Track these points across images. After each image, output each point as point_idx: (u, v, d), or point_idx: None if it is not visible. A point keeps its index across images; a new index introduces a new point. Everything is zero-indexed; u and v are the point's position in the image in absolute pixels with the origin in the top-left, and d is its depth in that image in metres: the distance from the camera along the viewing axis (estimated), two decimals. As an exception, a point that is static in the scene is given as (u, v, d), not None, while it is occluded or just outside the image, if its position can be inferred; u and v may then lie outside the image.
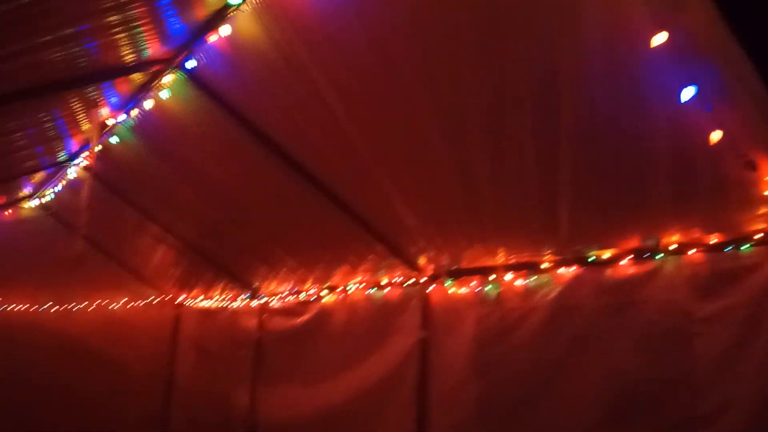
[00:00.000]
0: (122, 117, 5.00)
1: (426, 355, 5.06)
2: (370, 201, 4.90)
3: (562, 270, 4.16)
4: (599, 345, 3.92)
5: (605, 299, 3.94)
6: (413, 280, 5.24)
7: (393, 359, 5.34)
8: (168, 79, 4.41)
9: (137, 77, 4.42)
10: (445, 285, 4.93)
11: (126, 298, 8.48)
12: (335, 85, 3.93)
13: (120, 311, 8.47)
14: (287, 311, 6.67)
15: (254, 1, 3.62)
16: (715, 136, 2.83)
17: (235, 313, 7.45)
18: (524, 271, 4.35)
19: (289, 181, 5.00)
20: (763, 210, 3.15)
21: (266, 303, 6.98)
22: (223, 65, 4.18)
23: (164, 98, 4.61)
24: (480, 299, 4.64)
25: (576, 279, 4.09)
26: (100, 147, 4.78)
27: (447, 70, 3.47)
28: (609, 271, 3.91)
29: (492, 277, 4.55)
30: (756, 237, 3.22)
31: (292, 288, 6.60)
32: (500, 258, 4.46)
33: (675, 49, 2.67)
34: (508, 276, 4.43)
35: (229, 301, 7.56)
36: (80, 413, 7.64)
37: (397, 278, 5.39)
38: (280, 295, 6.76)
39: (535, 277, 4.29)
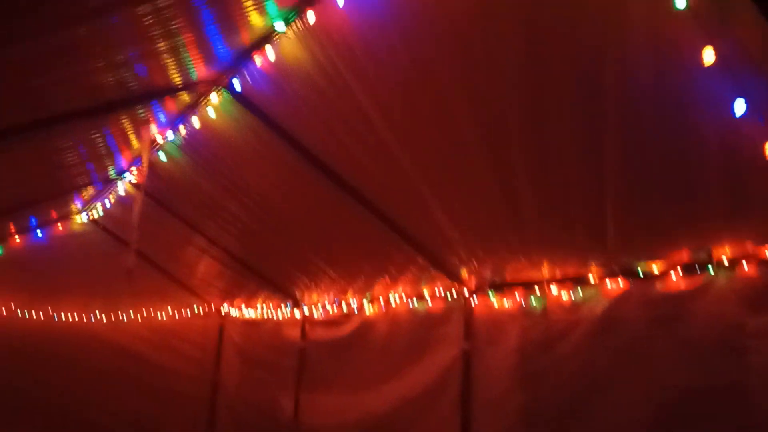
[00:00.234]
0: (170, 134, 5.15)
1: (469, 366, 5.07)
2: (411, 212, 4.93)
3: (608, 283, 4.11)
4: (647, 358, 3.87)
5: (653, 312, 3.89)
6: (455, 292, 5.24)
7: (435, 370, 5.36)
8: (214, 98, 4.53)
9: (185, 97, 4.55)
10: (489, 297, 4.92)
11: (172, 308, 8.69)
12: (377, 102, 3.98)
13: (167, 321, 8.69)
14: (330, 322, 6.75)
15: (298, 26, 3.68)
16: (769, 149, 2.77)
17: (279, 322, 7.56)
18: (570, 284, 4.32)
19: (330, 193, 5.08)
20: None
21: (309, 313, 7.07)
22: (268, 85, 4.27)
23: (211, 117, 4.73)
24: (524, 312, 4.62)
25: (623, 292, 4.04)
26: (148, 164, 4.92)
27: (490, 84, 3.49)
28: (658, 285, 3.86)
29: (536, 290, 4.52)
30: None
31: (334, 299, 6.68)
32: (545, 271, 4.43)
33: (725, 62, 2.63)
34: (554, 289, 4.40)
35: (271, 311, 7.68)
36: (129, 419, 7.92)
37: (438, 290, 5.40)
38: (321, 305, 6.84)
39: (582, 290, 4.24)
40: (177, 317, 8.69)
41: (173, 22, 3.39)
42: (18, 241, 7.39)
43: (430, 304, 5.51)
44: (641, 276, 3.95)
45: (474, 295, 5.08)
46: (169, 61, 3.80)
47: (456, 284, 5.24)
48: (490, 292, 4.92)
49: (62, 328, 8.17)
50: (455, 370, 5.14)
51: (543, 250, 4.38)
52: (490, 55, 3.31)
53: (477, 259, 4.89)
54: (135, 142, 5.15)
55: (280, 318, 7.54)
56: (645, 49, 2.79)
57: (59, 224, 7.42)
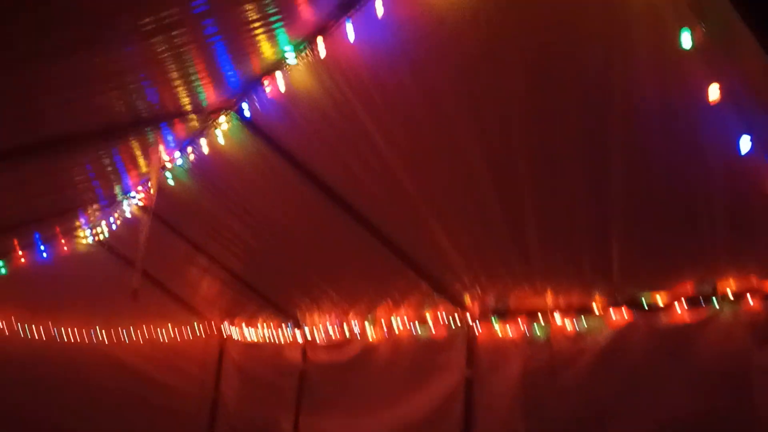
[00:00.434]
0: (178, 157, 5.20)
1: (471, 394, 5.05)
2: (415, 238, 4.96)
3: (613, 313, 4.11)
4: (651, 390, 3.85)
5: (658, 344, 3.88)
6: (458, 318, 5.24)
7: (437, 396, 5.35)
8: (223, 123, 4.58)
9: (194, 121, 4.60)
10: (492, 324, 4.92)
11: (174, 327, 8.68)
12: (384, 130, 4.03)
13: (168, 339, 8.68)
14: (331, 344, 6.74)
15: (308, 56, 3.74)
16: (774, 185, 2.80)
17: (279, 346, 7.55)
18: (573, 313, 4.32)
19: (334, 217, 5.11)
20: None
21: (310, 335, 7.06)
22: (277, 111, 4.32)
23: (219, 141, 4.78)
24: (528, 340, 4.62)
25: (628, 323, 4.04)
26: (156, 180, 4.97)
27: (496, 115, 3.53)
28: (662, 316, 3.85)
29: (540, 318, 4.53)
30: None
31: (336, 321, 6.67)
32: (548, 299, 4.44)
33: (730, 99, 2.67)
34: (558, 318, 4.41)
35: (272, 332, 7.67)
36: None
37: (441, 316, 5.41)
38: (323, 327, 6.84)
39: (586, 319, 4.25)
40: (178, 336, 8.68)
41: (185, 51, 3.44)
42: (22, 258, 7.43)
43: (432, 330, 5.50)
44: (646, 307, 3.96)
45: (477, 322, 5.08)
46: (179, 86, 3.86)
47: (459, 310, 5.24)
48: (493, 320, 4.92)
49: (64, 345, 8.15)
50: (457, 398, 5.12)
51: (547, 278, 4.39)
52: (497, 88, 3.36)
53: (481, 285, 4.90)
54: (143, 164, 5.20)
55: (281, 339, 7.53)
56: (651, 85, 2.83)
57: (63, 242, 7.46)
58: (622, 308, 4.07)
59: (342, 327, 6.55)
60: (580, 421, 4.20)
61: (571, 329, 4.35)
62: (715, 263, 3.51)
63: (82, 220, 7.05)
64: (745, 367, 3.44)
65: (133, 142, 4.76)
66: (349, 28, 3.41)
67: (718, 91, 2.65)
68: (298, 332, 7.24)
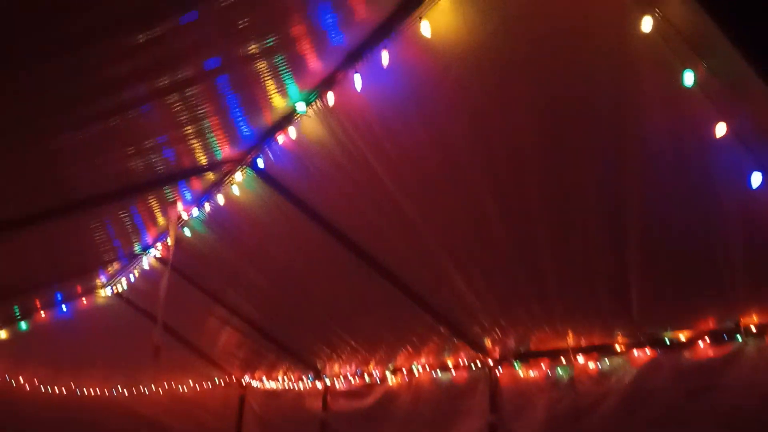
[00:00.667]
0: (195, 211, 5.28)
1: (496, 439, 4.95)
2: (432, 282, 4.94)
3: (636, 352, 4.05)
4: (679, 430, 3.76)
5: (684, 383, 3.82)
6: (479, 362, 5.18)
7: (462, 443, 5.24)
8: (238, 176, 4.66)
9: (210, 176, 4.69)
10: (514, 368, 4.85)
11: (194, 380, 8.65)
12: (397, 176, 4.07)
13: (188, 392, 8.64)
14: (352, 393, 6.66)
15: (318, 106, 3.83)
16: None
17: (300, 393, 7.48)
18: (596, 353, 4.26)
19: (351, 264, 5.12)
20: None
21: (330, 384, 6.99)
22: (290, 161, 4.40)
23: (234, 193, 4.85)
24: (551, 383, 4.55)
25: (652, 362, 3.97)
26: (173, 240, 5.04)
27: (509, 159, 3.55)
28: (686, 354, 3.80)
29: (562, 359, 4.46)
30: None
31: (356, 369, 6.61)
32: (570, 340, 4.38)
33: (740, 137, 2.69)
34: (580, 359, 4.34)
35: (292, 382, 7.61)
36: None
37: (462, 360, 5.34)
38: (343, 376, 6.77)
39: (609, 360, 4.18)
40: (198, 388, 8.64)
41: (200, 108, 3.54)
42: (42, 314, 7.49)
43: (453, 375, 5.43)
44: (668, 345, 3.90)
45: (499, 366, 5.01)
46: (195, 144, 3.95)
47: (480, 354, 5.18)
48: (515, 363, 4.85)
49: (85, 401, 8.16)
50: (482, 443, 5.01)
51: (567, 319, 4.34)
52: (508, 133, 3.40)
53: (500, 328, 4.85)
54: (161, 219, 5.28)
55: (301, 388, 7.46)
56: (660, 126, 2.86)
57: (83, 298, 7.52)
58: (645, 347, 4.01)
59: (362, 376, 6.49)
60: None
61: (594, 369, 4.27)
62: (736, 298, 3.47)
63: (103, 277, 7.13)
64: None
65: (151, 200, 4.86)
66: (357, 79, 3.49)
67: (726, 128, 2.67)
68: (318, 383, 7.18)
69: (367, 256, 5.00)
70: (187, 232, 5.65)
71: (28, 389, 7.91)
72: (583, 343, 4.36)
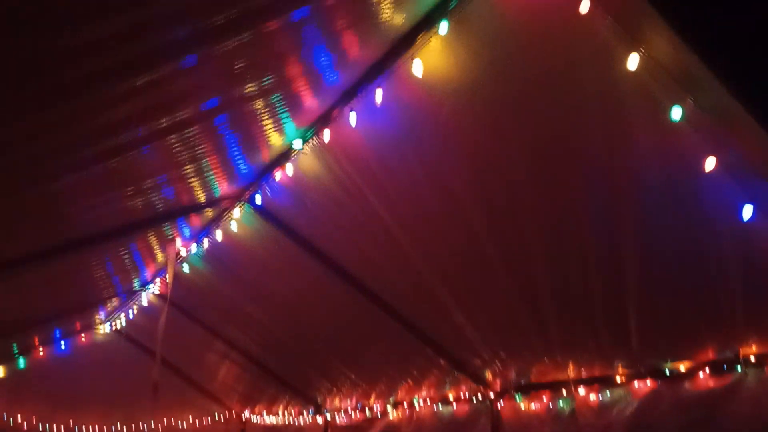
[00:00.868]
0: (194, 247, 5.30)
1: (499, 473, 4.89)
2: (431, 316, 4.93)
3: (637, 383, 4.03)
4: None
5: (685, 414, 3.80)
6: (481, 395, 5.14)
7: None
8: (236, 212, 4.70)
9: (209, 212, 4.73)
10: (515, 400, 4.82)
11: (194, 416, 8.56)
12: (394, 211, 4.10)
13: (188, 427, 8.55)
14: (353, 427, 6.60)
15: (315, 143, 3.88)
16: (783, 251, 2.81)
17: (300, 428, 7.41)
18: (597, 385, 4.24)
19: (350, 298, 5.12)
20: None
21: (331, 418, 6.93)
22: (288, 197, 4.44)
23: (233, 228, 4.88)
24: (553, 415, 4.52)
25: (653, 393, 3.96)
26: (171, 276, 5.05)
27: (503, 194, 3.59)
28: (687, 385, 3.79)
29: (563, 391, 4.43)
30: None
31: (356, 403, 6.56)
32: (571, 372, 4.37)
33: (729, 170, 2.72)
34: (581, 390, 4.32)
35: (293, 417, 7.54)
36: None
37: (463, 393, 5.31)
38: (344, 410, 6.72)
39: (610, 391, 4.16)
40: (198, 424, 8.55)
41: (199, 148, 3.59)
42: (41, 352, 7.46)
43: (455, 408, 5.39)
44: (669, 376, 3.88)
45: (500, 398, 4.98)
46: (194, 182, 4.00)
47: (481, 387, 5.15)
48: (516, 395, 4.82)
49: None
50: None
51: (567, 351, 4.33)
52: (502, 168, 3.44)
53: (501, 360, 4.83)
54: (160, 256, 5.30)
55: (302, 421, 7.39)
56: (651, 160, 2.90)
57: (82, 335, 7.50)
58: (646, 378, 4.00)
59: (363, 409, 6.43)
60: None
61: (596, 401, 4.25)
62: (735, 328, 3.47)
63: (102, 314, 7.12)
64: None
65: (151, 237, 4.89)
66: (352, 116, 3.55)
67: (716, 162, 2.71)
68: (319, 417, 7.11)
69: (366, 289, 5.00)
70: (185, 268, 5.66)
71: (26, 427, 7.82)
72: (584, 374, 4.35)
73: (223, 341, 7.11)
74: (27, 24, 1.87)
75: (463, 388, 5.31)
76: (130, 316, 7.01)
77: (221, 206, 4.65)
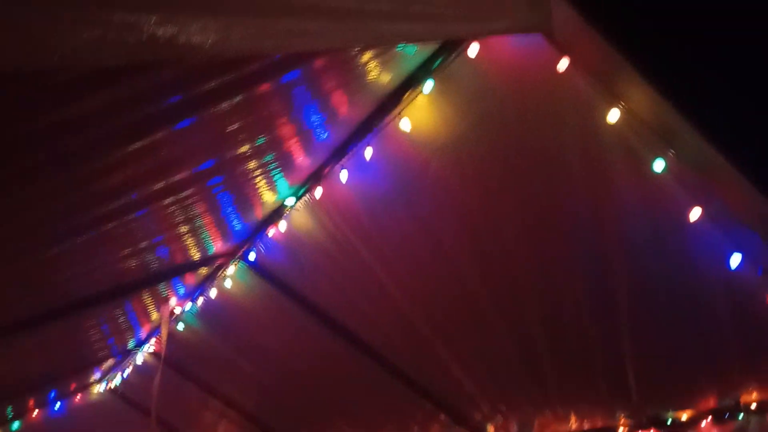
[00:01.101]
0: (188, 305, 5.29)
1: None
2: (428, 369, 4.89)
3: (639, 434, 3.98)
4: None
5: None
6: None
7: None
8: (231, 269, 4.72)
9: (203, 270, 4.74)
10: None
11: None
12: (386, 265, 4.13)
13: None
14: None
15: (307, 199, 3.94)
16: (773, 298, 2.82)
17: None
18: (599, 436, 4.18)
19: (347, 352, 5.07)
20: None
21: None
22: (281, 254, 4.47)
23: (227, 286, 4.89)
24: (556, 469, 4.42)
25: (656, 443, 3.89)
26: (165, 335, 5.03)
27: (496, 247, 3.62)
28: (690, 434, 3.73)
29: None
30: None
31: (356, 460, 6.41)
32: (573, 423, 4.31)
33: (715, 219, 2.76)
34: (584, 443, 4.25)
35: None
36: None
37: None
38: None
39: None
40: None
41: (193, 208, 3.63)
42: (36, 414, 7.32)
43: (456, 463, 5.26)
44: (671, 425, 3.83)
45: (504, 453, 4.88)
46: (189, 241, 4.03)
47: (482, 441, 5.05)
48: (520, 449, 4.74)
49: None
50: None
51: (567, 403, 4.29)
52: (491, 221, 3.49)
53: (501, 414, 4.77)
54: (155, 315, 5.29)
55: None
56: (637, 212, 2.94)
57: (78, 395, 7.38)
58: (649, 428, 3.95)
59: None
60: None
61: (600, 453, 4.18)
62: (734, 376, 3.46)
63: (97, 374, 7.04)
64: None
65: (145, 296, 4.89)
66: (343, 173, 3.62)
67: (701, 212, 2.75)
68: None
69: (363, 343, 4.97)
70: (180, 326, 5.64)
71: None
72: (586, 425, 4.28)
73: (219, 399, 6.98)
74: (23, 98, 1.93)
75: (465, 442, 5.20)
76: (126, 376, 6.91)
77: (215, 264, 4.67)
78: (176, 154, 2.98)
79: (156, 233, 3.69)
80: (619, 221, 3.03)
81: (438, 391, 5.01)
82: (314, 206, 3.98)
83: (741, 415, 3.51)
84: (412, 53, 2.97)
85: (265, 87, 2.79)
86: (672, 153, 2.63)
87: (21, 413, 7.05)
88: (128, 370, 6.85)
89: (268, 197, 4.00)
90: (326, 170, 3.73)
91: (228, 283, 4.86)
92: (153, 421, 5.20)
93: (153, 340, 6.04)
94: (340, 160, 3.61)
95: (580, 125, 2.79)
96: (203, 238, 4.13)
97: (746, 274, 2.83)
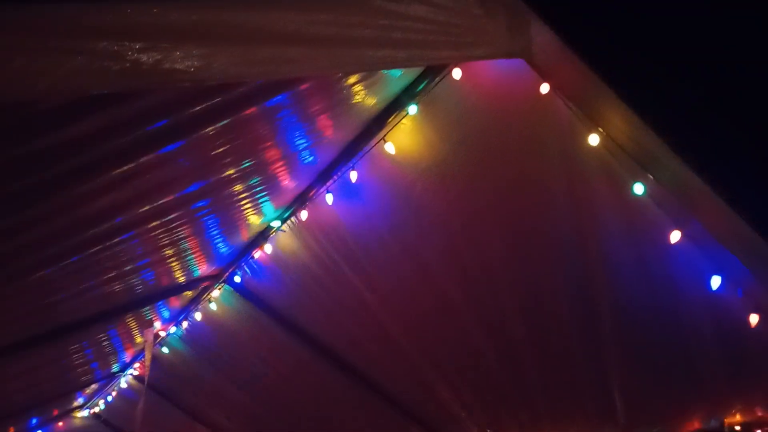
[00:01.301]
0: (173, 329, 5.25)
1: None
2: (416, 391, 4.86)
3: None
4: None
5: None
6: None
7: None
8: (216, 292, 4.69)
9: (188, 293, 4.71)
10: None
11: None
12: (374, 288, 4.13)
13: None
14: None
15: (293, 222, 3.94)
16: (753, 319, 2.85)
17: None
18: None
19: (333, 377, 5.05)
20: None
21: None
22: (267, 276, 4.46)
23: (212, 308, 4.86)
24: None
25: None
26: (151, 358, 4.97)
27: (480, 269, 3.64)
28: (676, 455, 3.73)
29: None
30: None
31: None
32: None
33: (694, 242, 2.80)
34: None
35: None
36: None
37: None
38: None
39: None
40: None
41: (179, 232, 3.61)
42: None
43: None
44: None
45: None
46: (174, 264, 4.01)
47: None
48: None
49: None
50: None
51: (555, 425, 4.27)
52: (475, 242, 3.51)
53: (489, 436, 4.74)
54: (139, 339, 5.23)
55: None
56: (619, 234, 2.98)
57: (60, 422, 7.27)
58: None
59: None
60: None
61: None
62: (718, 397, 3.48)
63: (80, 399, 6.93)
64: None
65: (130, 320, 4.84)
66: (329, 196, 3.63)
67: (681, 236, 2.79)
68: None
69: (349, 366, 4.94)
70: (165, 350, 5.58)
71: None
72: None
73: (204, 424, 6.90)
74: (8, 126, 1.93)
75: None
76: (109, 400, 6.82)
77: (201, 287, 4.65)
78: (162, 177, 2.98)
79: (141, 257, 3.67)
80: (602, 243, 3.06)
81: (427, 414, 4.98)
82: (300, 229, 3.99)
83: (725, 436, 3.51)
84: (397, 76, 3.01)
85: (251, 111, 2.81)
86: (650, 177, 2.67)
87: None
88: (112, 395, 6.75)
89: (254, 220, 4.00)
90: (312, 193, 3.75)
91: (213, 306, 4.83)
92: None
93: (137, 364, 5.96)
94: (325, 182, 3.63)
95: (561, 148, 2.83)
96: (189, 261, 4.11)
97: (727, 296, 2.86)
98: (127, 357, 5.78)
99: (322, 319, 4.70)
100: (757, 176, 2.66)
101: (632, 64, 2.61)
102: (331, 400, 5.42)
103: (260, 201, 3.77)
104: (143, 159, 2.69)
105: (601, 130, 2.65)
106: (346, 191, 3.60)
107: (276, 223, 3.99)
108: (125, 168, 2.65)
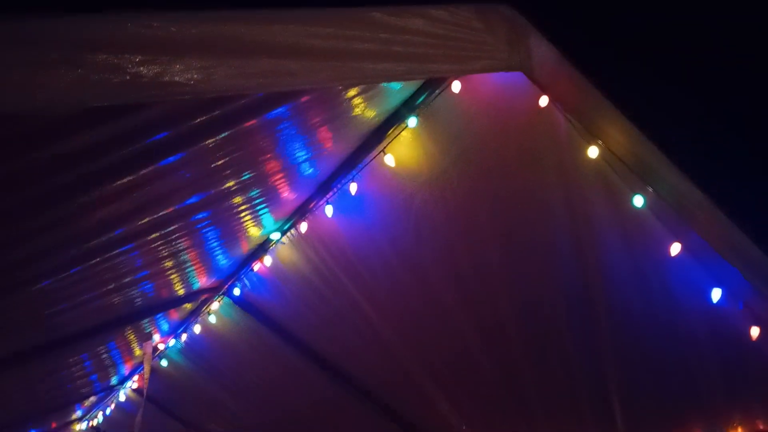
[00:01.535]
0: (172, 342, 5.23)
1: None
2: (415, 403, 4.85)
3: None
4: None
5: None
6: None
7: None
8: (215, 305, 4.68)
9: (187, 305, 4.70)
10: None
11: None
12: (373, 301, 4.12)
13: None
14: None
15: (292, 234, 3.94)
16: (755, 332, 2.84)
17: None
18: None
19: (332, 388, 5.03)
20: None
21: None
22: (266, 288, 4.45)
23: (211, 321, 4.84)
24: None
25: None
26: (150, 371, 4.95)
27: (479, 283, 3.64)
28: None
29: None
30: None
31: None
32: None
33: (694, 255, 2.80)
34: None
35: None
36: None
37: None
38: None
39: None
40: None
41: (179, 244, 3.61)
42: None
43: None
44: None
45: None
46: (174, 276, 4.00)
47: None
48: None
49: None
50: None
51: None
52: (474, 255, 3.51)
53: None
54: (138, 351, 5.21)
55: None
56: (618, 247, 2.98)
57: (58, 434, 7.22)
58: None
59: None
60: None
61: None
62: (718, 409, 3.46)
63: (79, 411, 6.89)
64: None
65: (129, 332, 4.83)
66: (329, 208, 3.63)
67: (680, 247, 2.78)
68: None
69: (348, 378, 4.92)
70: (164, 362, 5.56)
71: None
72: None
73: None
74: (8, 138, 1.93)
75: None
76: (108, 413, 6.78)
77: (200, 299, 4.63)
78: (162, 189, 2.98)
79: (141, 269, 3.66)
80: (601, 256, 3.06)
81: (424, 426, 4.95)
82: (300, 241, 3.98)
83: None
84: (397, 89, 3.02)
85: (251, 123, 2.82)
86: (650, 189, 2.67)
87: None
88: (110, 408, 6.72)
89: (254, 232, 4.00)
90: (311, 205, 3.74)
91: (213, 319, 4.81)
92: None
93: (136, 377, 5.93)
94: (325, 194, 3.63)
95: (560, 160, 2.84)
96: (188, 274, 4.10)
97: (728, 308, 2.85)
98: (126, 369, 5.75)
99: (321, 331, 4.68)
100: (758, 189, 2.67)
101: (631, 76, 2.63)
102: (330, 411, 5.38)
103: (260, 213, 3.77)
104: (143, 171, 2.69)
105: (600, 142, 2.65)
106: (346, 203, 3.60)
107: (276, 235, 3.99)
108: (125, 180, 2.65)
